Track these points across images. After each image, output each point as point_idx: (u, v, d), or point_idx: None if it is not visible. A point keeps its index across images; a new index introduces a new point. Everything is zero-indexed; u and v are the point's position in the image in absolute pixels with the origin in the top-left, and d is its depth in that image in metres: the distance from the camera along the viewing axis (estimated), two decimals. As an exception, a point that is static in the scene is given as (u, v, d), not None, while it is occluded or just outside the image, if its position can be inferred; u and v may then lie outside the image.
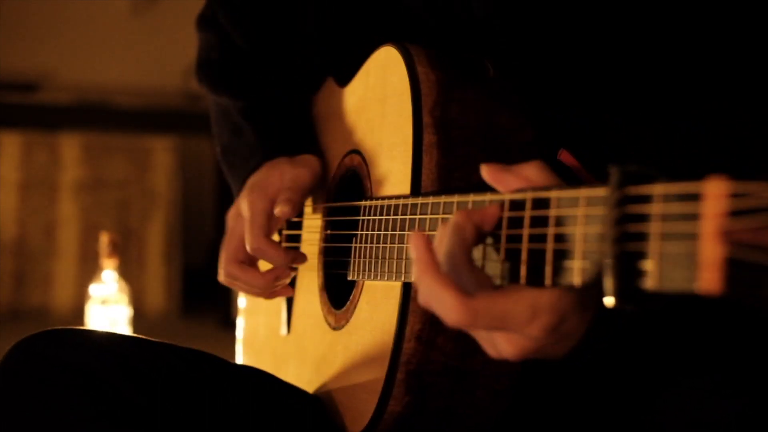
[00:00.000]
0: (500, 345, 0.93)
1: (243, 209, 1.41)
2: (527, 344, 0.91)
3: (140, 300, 4.77)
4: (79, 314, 2.63)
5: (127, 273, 2.65)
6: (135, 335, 1.33)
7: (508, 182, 0.95)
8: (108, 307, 2.53)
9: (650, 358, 1.06)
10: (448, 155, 1.16)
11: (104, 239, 2.55)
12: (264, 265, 1.45)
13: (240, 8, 1.58)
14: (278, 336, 1.57)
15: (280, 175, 1.41)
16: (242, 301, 1.70)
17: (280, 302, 1.56)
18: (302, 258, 1.42)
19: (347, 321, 1.31)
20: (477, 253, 0.97)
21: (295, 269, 1.46)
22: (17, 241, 5.05)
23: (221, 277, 1.45)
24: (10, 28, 5.29)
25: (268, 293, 1.44)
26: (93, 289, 2.55)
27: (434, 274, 0.91)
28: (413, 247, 0.94)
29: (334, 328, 1.36)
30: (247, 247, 1.39)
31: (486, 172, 0.96)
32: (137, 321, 2.64)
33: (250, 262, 1.44)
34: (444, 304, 0.90)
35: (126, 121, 5.29)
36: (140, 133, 5.23)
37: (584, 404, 1.18)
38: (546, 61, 1.21)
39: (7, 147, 5.04)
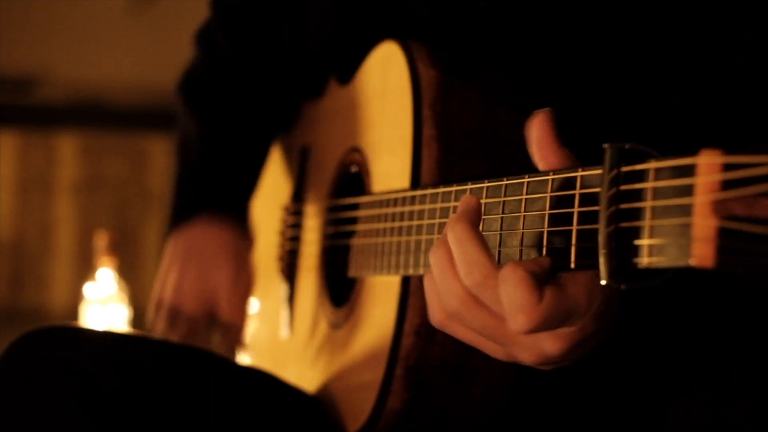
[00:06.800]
0: (546, 344, 0.86)
1: (186, 285, 1.48)
2: (577, 336, 0.85)
3: (139, 300, 4.75)
4: (76, 314, 2.61)
5: (125, 273, 2.63)
6: (132, 333, 1.33)
7: (547, 151, 0.90)
8: (106, 307, 2.51)
9: (659, 362, 1.04)
10: (448, 149, 1.16)
11: (102, 238, 2.54)
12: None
13: (233, 9, 1.59)
14: (279, 339, 1.56)
15: (217, 246, 1.48)
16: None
17: (280, 305, 1.55)
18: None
19: (347, 319, 1.31)
20: (491, 240, 0.94)
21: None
22: (14, 241, 5.03)
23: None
24: (6, 26, 5.27)
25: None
26: (91, 288, 2.53)
27: (519, 269, 0.83)
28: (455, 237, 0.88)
29: (335, 327, 1.35)
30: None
31: (537, 124, 0.90)
32: (136, 321, 2.62)
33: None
34: (517, 303, 0.82)
35: (123, 120, 5.27)
36: (138, 133, 5.21)
37: (586, 407, 1.16)
38: (546, 55, 1.20)
39: (3, 146, 5.01)
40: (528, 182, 0.92)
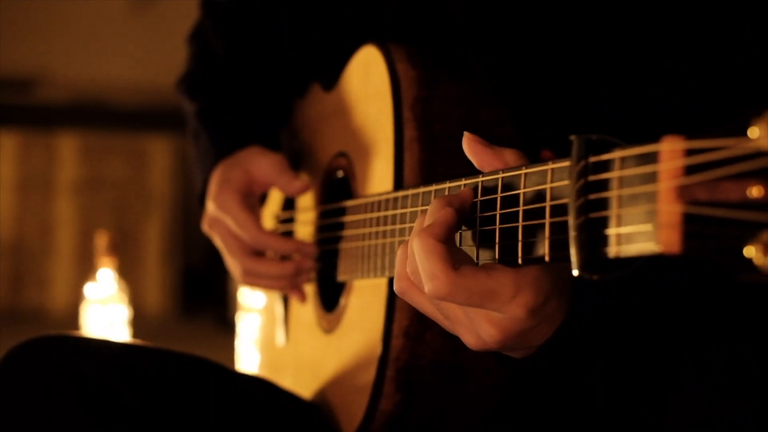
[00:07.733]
0: (482, 328, 0.92)
1: (216, 214, 1.42)
2: (510, 325, 0.91)
3: (139, 300, 4.76)
4: (76, 315, 2.61)
5: (125, 273, 2.63)
6: (132, 341, 1.33)
7: (485, 158, 0.95)
8: (107, 307, 2.52)
9: (655, 359, 1.04)
10: (430, 150, 1.16)
11: (102, 238, 2.54)
12: None
13: (224, 13, 1.60)
14: (275, 346, 1.56)
15: (243, 171, 1.42)
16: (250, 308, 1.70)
17: (277, 312, 1.55)
18: (308, 247, 1.42)
19: (338, 323, 1.31)
20: (467, 240, 0.97)
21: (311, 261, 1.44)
22: (14, 242, 5.04)
23: (240, 279, 1.44)
24: (7, 26, 5.27)
25: (292, 285, 1.43)
26: (91, 288, 2.53)
27: (430, 239, 0.90)
28: (431, 207, 0.94)
29: (327, 332, 1.35)
30: (249, 242, 1.38)
31: (467, 143, 0.96)
32: (136, 321, 2.63)
33: (259, 255, 1.43)
34: (428, 270, 0.89)
35: (124, 120, 5.28)
36: (138, 133, 5.21)
37: (581, 404, 1.17)
38: (523, 57, 1.20)
39: (4, 146, 5.02)
40: (502, 178, 0.92)
